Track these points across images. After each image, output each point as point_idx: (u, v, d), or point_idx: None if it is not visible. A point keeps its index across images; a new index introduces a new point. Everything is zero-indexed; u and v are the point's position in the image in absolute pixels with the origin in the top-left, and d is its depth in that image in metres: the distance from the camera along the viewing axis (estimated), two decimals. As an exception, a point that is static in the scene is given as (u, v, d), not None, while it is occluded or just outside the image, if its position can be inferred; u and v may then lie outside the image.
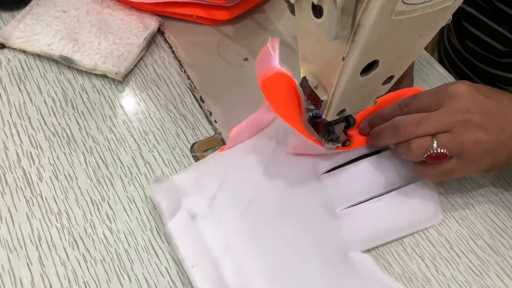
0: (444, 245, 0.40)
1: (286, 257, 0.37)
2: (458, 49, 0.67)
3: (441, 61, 0.73)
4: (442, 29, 0.74)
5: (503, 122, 0.37)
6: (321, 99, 0.36)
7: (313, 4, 0.30)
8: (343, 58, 0.31)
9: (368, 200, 0.41)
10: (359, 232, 0.40)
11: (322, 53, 0.33)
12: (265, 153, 0.42)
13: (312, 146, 0.40)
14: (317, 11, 0.30)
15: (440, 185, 0.44)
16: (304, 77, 0.37)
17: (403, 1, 0.27)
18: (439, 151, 0.37)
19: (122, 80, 0.48)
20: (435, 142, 0.37)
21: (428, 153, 0.37)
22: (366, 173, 0.43)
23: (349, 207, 0.41)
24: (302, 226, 0.39)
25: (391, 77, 0.36)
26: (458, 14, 0.64)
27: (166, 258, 0.37)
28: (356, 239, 0.39)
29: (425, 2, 0.28)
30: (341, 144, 0.43)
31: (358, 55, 0.30)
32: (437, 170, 0.38)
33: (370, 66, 0.32)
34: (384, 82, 0.36)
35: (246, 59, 0.52)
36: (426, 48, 0.76)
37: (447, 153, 0.37)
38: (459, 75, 0.68)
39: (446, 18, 0.32)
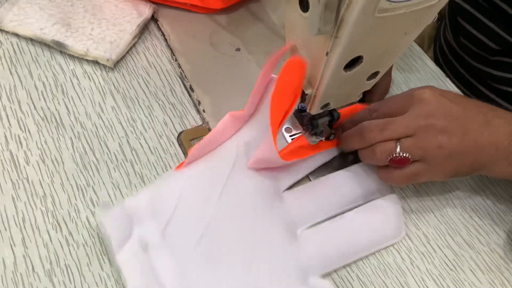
0: (421, 239, 0.41)
1: (244, 285, 0.36)
2: (453, 46, 0.67)
3: (435, 58, 0.73)
4: (439, 25, 0.74)
5: (467, 126, 0.37)
6: (306, 92, 0.36)
7: (300, -4, 0.30)
8: (327, 53, 0.31)
9: (330, 218, 0.40)
10: (320, 255, 0.38)
11: (307, 47, 0.34)
12: (224, 172, 0.40)
13: (276, 159, 0.39)
14: (304, 4, 0.30)
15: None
16: (290, 70, 0.37)
17: (386, -1, 0.27)
18: (401, 155, 0.37)
19: (113, 66, 0.48)
20: (399, 146, 0.37)
21: (391, 157, 0.37)
22: (328, 189, 0.42)
23: (311, 227, 0.40)
24: (261, 250, 0.37)
25: (376, 73, 0.36)
26: (454, 10, 0.64)
27: (149, 244, 0.38)
28: (317, 262, 0.38)
29: (409, 0, 0.29)
30: (324, 138, 0.43)
31: (341, 50, 0.30)
32: (401, 174, 0.38)
33: (354, 62, 0.33)
34: (369, 78, 0.36)
35: (238, 49, 0.53)
36: (422, 45, 0.77)
37: (410, 157, 0.37)
38: (452, 72, 0.69)
39: (431, 16, 0.32)
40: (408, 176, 0.38)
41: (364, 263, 0.39)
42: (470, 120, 0.38)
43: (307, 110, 0.38)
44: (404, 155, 0.37)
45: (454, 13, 0.64)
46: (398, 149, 0.37)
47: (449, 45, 0.69)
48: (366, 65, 0.34)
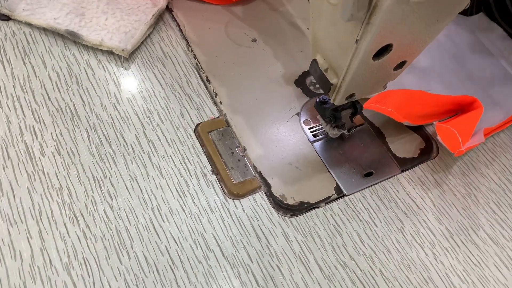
0: (444, 235, 0.40)
1: None
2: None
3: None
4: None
5: None
6: (331, 82, 0.35)
7: (328, -16, 0.29)
8: (357, 41, 0.30)
9: None
10: None
11: (335, 35, 0.33)
12: None
13: None
14: (333, -9, 0.29)
15: (443, 174, 0.44)
16: (314, 60, 0.36)
17: (421, -16, 0.26)
18: None
19: (128, 57, 0.47)
20: None
21: None
22: None
23: None
24: None
25: (403, 63, 0.35)
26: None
27: (166, 237, 0.37)
28: None
29: (444, -14, 0.28)
30: (347, 130, 0.42)
31: (372, 38, 0.29)
32: None
33: (383, 51, 0.32)
34: (396, 68, 0.35)
35: (254, 40, 0.52)
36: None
37: None
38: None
39: (464, 3, 0.31)
40: None
41: (387, 258, 0.39)
42: None
43: (331, 101, 0.37)
44: None
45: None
46: None
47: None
48: (395, 54, 0.32)
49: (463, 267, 0.39)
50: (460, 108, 0.48)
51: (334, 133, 0.41)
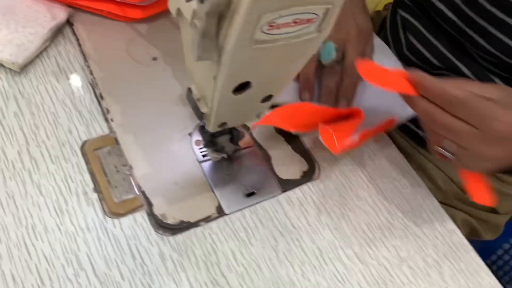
0: (315, 253, 0.44)
1: None
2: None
3: None
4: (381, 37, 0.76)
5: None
6: (202, 111, 0.37)
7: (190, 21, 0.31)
8: (214, 77, 0.32)
9: None
10: None
11: (201, 69, 0.35)
12: None
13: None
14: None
15: (321, 195, 0.47)
16: (189, 88, 0.38)
17: (262, 31, 0.29)
18: (449, 156, 0.42)
19: (20, 70, 0.47)
20: (451, 148, 0.42)
21: (440, 151, 0.43)
22: None
23: None
24: None
25: (270, 96, 0.38)
26: (397, 24, 0.67)
27: (38, 255, 0.37)
28: None
29: (288, 33, 0.30)
30: (228, 154, 0.45)
31: (225, 76, 0.31)
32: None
33: (244, 86, 0.34)
34: (263, 100, 0.38)
35: (154, 59, 0.53)
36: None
37: (454, 159, 0.42)
38: None
39: (316, 47, 0.34)
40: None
41: (257, 275, 0.41)
42: None
43: (206, 128, 0.39)
44: (451, 156, 0.42)
45: (397, 27, 0.67)
46: (449, 152, 0.42)
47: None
48: (256, 90, 0.35)
49: (327, 283, 0.42)
50: (345, 117, 0.51)
51: (214, 156, 0.43)
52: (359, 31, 0.54)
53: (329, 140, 0.46)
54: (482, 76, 0.58)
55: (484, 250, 1.33)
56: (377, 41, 0.62)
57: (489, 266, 1.33)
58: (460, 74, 0.59)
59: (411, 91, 0.42)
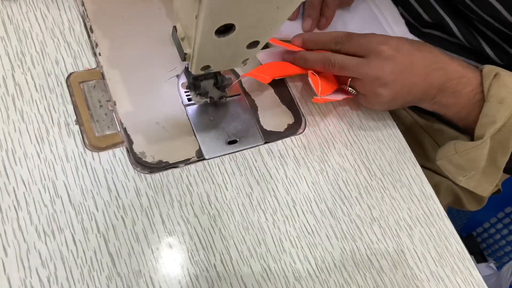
0: (288, 204, 0.45)
1: None
2: None
3: None
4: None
5: (408, 80, 0.46)
6: (185, 51, 0.37)
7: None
8: (196, 16, 0.32)
9: None
10: None
11: (185, 7, 0.34)
12: None
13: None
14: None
15: (302, 150, 0.48)
16: (174, 27, 0.38)
17: (245, -29, 0.28)
18: (348, 89, 0.49)
19: (10, -6, 0.46)
20: (349, 83, 0.48)
21: (341, 87, 0.49)
22: None
23: None
24: None
25: (256, 42, 0.37)
26: None
27: (16, 179, 0.38)
28: None
29: (273, -24, 0.29)
30: (216, 99, 0.45)
31: (206, 16, 0.31)
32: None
33: (228, 29, 0.34)
34: (249, 46, 0.37)
35: (150, -4, 0.51)
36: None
37: (354, 93, 0.49)
38: None
39: (304, -6, 0.33)
40: (358, 100, 0.51)
41: (229, 219, 0.42)
42: (412, 74, 0.46)
43: (189, 69, 0.39)
44: (350, 90, 0.49)
45: None
46: (348, 86, 0.49)
47: None
48: (241, 34, 0.34)
49: (296, 234, 0.44)
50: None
51: (197, 100, 0.43)
52: None
53: (316, 85, 0.46)
54: (470, 36, 0.58)
55: (473, 221, 1.36)
56: None
57: (474, 237, 1.35)
58: (448, 32, 0.60)
59: (301, 71, 0.49)
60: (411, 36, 0.59)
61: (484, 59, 0.60)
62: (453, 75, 0.47)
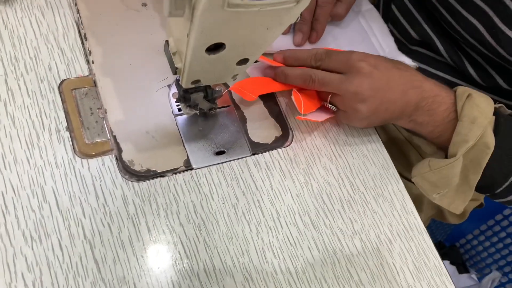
0: (272, 215, 0.46)
1: None
2: None
3: None
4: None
5: (386, 97, 0.48)
6: (176, 66, 0.38)
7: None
8: (188, 35, 0.33)
9: None
10: None
11: (177, 24, 0.35)
12: None
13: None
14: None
15: (289, 162, 0.49)
16: (167, 41, 0.38)
17: (236, -5, 0.29)
18: (329, 106, 0.50)
19: (5, 1, 0.47)
20: (329, 99, 0.50)
21: (327, 105, 0.50)
22: None
23: None
24: None
25: (245, 60, 0.38)
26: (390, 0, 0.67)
27: (5, 184, 0.39)
28: None
29: (263, 0, 0.30)
30: (206, 110, 0.46)
31: (197, 35, 0.32)
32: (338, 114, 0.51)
33: (218, 47, 0.35)
34: (239, 63, 0.38)
35: (144, 5, 0.52)
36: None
37: (335, 109, 0.50)
38: None
39: (293, 17, 0.34)
40: (338, 118, 0.52)
41: (213, 229, 0.43)
42: (390, 91, 0.47)
43: (180, 83, 0.40)
44: (331, 107, 0.50)
45: (389, 2, 0.68)
46: (328, 102, 0.50)
47: None
48: (231, 52, 0.35)
49: (279, 245, 0.45)
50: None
51: (187, 111, 0.44)
52: None
53: (298, 103, 0.48)
54: (455, 56, 0.60)
55: (456, 232, 1.38)
56: (368, 6, 0.63)
57: (457, 248, 1.37)
58: (435, 50, 0.62)
59: (286, 87, 0.51)
60: (399, 53, 0.61)
61: (468, 79, 0.62)
62: (428, 94, 0.48)
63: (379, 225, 0.49)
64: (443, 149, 0.50)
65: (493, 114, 0.47)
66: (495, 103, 0.48)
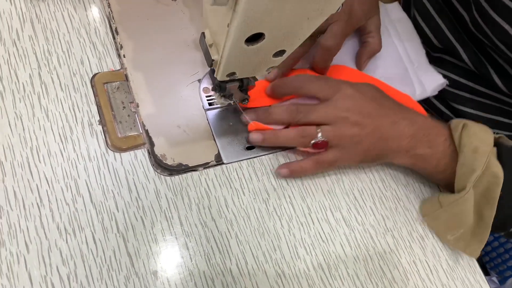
0: (303, 211, 0.45)
1: None
2: None
3: None
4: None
5: (378, 123, 0.44)
6: (212, 58, 0.37)
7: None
8: (228, 25, 0.32)
9: None
10: None
11: (215, 14, 0.35)
12: None
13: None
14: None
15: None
16: (203, 33, 0.38)
17: (283, -17, 0.28)
18: (322, 139, 0.44)
19: (38, -7, 0.47)
20: (320, 132, 0.44)
21: (314, 141, 0.44)
22: None
23: None
24: None
25: (282, 51, 0.38)
26: (411, 4, 0.66)
27: (39, 177, 0.39)
28: None
29: (307, -12, 0.30)
30: (238, 101, 0.45)
31: (239, 25, 0.31)
32: (324, 158, 0.45)
33: (257, 38, 0.34)
34: (275, 55, 0.38)
35: None
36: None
37: (328, 141, 0.44)
38: None
39: (335, 7, 0.34)
40: (330, 160, 0.45)
41: (245, 224, 0.43)
42: (380, 118, 0.45)
43: (214, 75, 0.39)
44: (324, 139, 0.44)
45: (409, 6, 0.67)
46: (319, 135, 0.44)
47: None
48: (270, 43, 0.35)
49: (311, 241, 0.44)
50: None
51: (221, 101, 0.43)
52: (349, 13, 0.51)
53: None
54: (478, 63, 0.58)
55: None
56: (400, 14, 0.61)
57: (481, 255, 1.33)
58: (458, 57, 0.60)
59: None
60: (430, 67, 0.59)
61: (492, 87, 0.60)
62: (422, 125, 0.46)
63: (412, 222, 0.48)
64: (449, 187, 0.47)
65: (494, 145, 0.45)
66: (494, 133, 0.46)
